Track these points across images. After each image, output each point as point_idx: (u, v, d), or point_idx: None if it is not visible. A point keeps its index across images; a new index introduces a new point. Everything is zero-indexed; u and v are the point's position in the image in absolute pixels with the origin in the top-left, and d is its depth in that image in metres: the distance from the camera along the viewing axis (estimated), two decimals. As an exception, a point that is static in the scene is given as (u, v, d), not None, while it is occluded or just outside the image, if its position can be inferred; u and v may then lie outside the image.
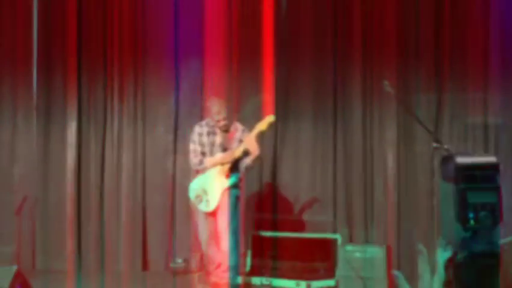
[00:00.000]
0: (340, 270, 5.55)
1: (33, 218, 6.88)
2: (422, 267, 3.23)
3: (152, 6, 6.97)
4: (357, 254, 5.49)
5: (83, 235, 6.88)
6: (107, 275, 6.58)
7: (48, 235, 6.95)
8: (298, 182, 6.71)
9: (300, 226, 6.62)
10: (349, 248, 5.56)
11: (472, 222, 1.12)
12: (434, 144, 4.52)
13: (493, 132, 6.43)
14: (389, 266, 5.43)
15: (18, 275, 4.90)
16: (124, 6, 6.98)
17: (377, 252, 5.45)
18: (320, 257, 6.14)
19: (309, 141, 6.72)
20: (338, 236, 6.10)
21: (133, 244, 6.80)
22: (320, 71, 6.70)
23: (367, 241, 6.31)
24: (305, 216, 6.64)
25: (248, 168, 5.66)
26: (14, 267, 4.94)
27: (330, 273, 5.97)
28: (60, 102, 6.99)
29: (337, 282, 5.70)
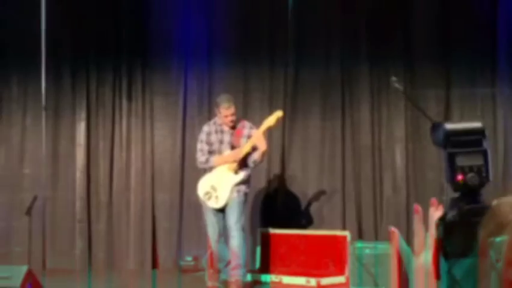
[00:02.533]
0: (350, 267, 5.54)
1: (43, 218, 6.91)
2: (417, 224, 3.28)
3: (161, 3, 6.98)
4: (367, 251, 5.48)
5: (93, 234, 6.91)
6: (117, 273, 6.60)
7: (58, 234, 6.98)
8: (307, 178, 6.71)
9: (309, 222, 6.62)
10: (359, 244, 5.55)
11: (460, 183, 1.18)
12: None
13: (502, 130, 6.41)
14: (399, 263, 5.41)
15: (29, 275, 4.92)
16: (133, 5, 7.00)
17: (387, 248, 5.44)
18: (329, 253, 6.13)
19: (317, 137, 6.71)
20: (347, 233, 6.09)
21: (142, 242, 6.82)
22: (327, 67, 6.69)
23: (377, 237, 6.30)
24: (314, 213, 6.64)
25: (256, 164, 5.66)
26: (25, 267, 4.96)
27: (340, 269, 5.96)
28: (69, 101, 7.03)
29: (347, 278, 5.69)
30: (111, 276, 6.43)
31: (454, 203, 1.34)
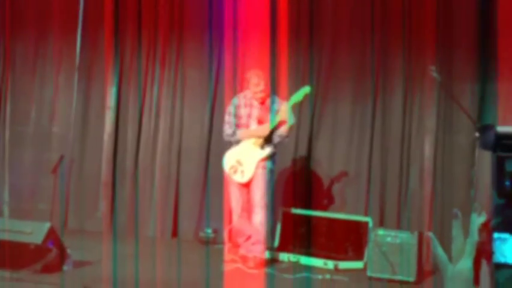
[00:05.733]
0: (369, 253, 5.52)
1: (68, 178, 6.98)
2: (456, 230, 3.24)
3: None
4: (389, 239, 5.44)
5: (117, 198, 6.96)
6: (136, 239, 6.65)
7: (82, 196, 7.05)
8: (333, 161, 6.66)
9: (330, 203, 6.60)
10: (381, 232, 5.52)
11: (508, 190, 1.14)
12: (477, 134, 4.44)
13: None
14: (420, 253, 5.38)
15: (51, 232, 4.97)
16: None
17: (408, 238, 5.40)
18: (349, 238, 6.11)
19: (346, 121, 6.65)
20: (369, 219, 6.06)
21: (164, 211, 6.86)
22: (360, 51, 6.60)
23: (399, 226, 6.26)
24: (337, 197, 6.60)
25: (282, 138, 5.66)
26: (48, 224, 5.01)
27: (358, 255, 5.94)
28: (102, 65, 7.04)
29: (365, 264, 5.67)
30: (131, 242, 6.48)
31: (499, 210, 1.31)
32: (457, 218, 2.90)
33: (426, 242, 5.42)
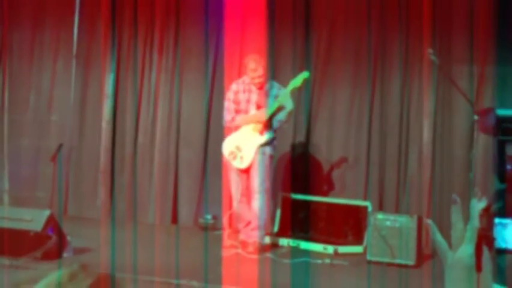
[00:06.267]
0: (369, 237, 5.54)
1: (67, 166, 6.98)
2: (456, 216, 3.22)
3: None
4: (388, 223, 5.45)
5: (116, 185, 6.97)
6: (136, 226, 6.66)
7: (81, 183, 7.06)
8: (331, 146, 6.66)
9: (330, 189, 6.60)
10: (380, 216, 5.53)
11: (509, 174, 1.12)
12: (475, 117, 4.43)
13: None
14: (419, 237, 5.39)
15: (50, 219, 4.98)
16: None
17: (407, 222, 5.41)
18: (349, 222, 6.12)
19: (345, 105, 6.64)
20: (368, 203, 6.07)
21: (163, 197, 6.86)
22: (358, 35, 6.57)
23: (398, 210, 6.27)
24: (337, 181, 6.61)
25: (281, 123, 5.66)
26: (48, 211, 5.02)
27: (358, 239, 5.96)
28: (99, 51, 7.02)
29: (365, 248, 5.69)
30: (130, 229, 6.49)
31: (500, 195, 1.30)
32: (456, 203, 2.88)
33: (426, 229, 5.42)
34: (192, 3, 6.93)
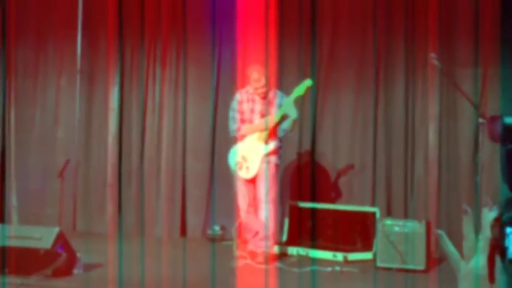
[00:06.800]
0: (378, 244, 5.53)
1: (75, 181, 7.00)
2: (467, 227, 3.20)
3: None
4: (396, 228, 5.45)
5: (123, 199, 6.98)
6: (145, 239, 6.67)
7: (89, 198, 7.06)
8: (337, 153, 6.66)
9: (338, 196, 6.60)
10: (388, 221, 5.52)
11: None
12: (480, 120, 4.43)
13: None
14: (428, 242, 5.38)
15: (60, 236, 4.98)
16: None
17: (416, 227, 5.41)
18: (357, 229, 6.12)
19: (349, 112, 6.64)
20: (376, 209, 6.06)
21: (171, 210, 6.87)
22: (361, 41, 6.58)
23: (406, 215, 6.26)
24: (344, 188, 6.61)
25: (286, 132, 5.67)
26: (57, 229, 5.02)
27: (367, 245, 5.95)
28: (103, 66, 7.05)
29: (374, 255, 5.68)
30: (139, 242, 6.50)
31: (510, 204, 1.30)
32: (466, 214, 2.86)
33: (435, 238, 5.40)
34: (196, 15, 6.95)
